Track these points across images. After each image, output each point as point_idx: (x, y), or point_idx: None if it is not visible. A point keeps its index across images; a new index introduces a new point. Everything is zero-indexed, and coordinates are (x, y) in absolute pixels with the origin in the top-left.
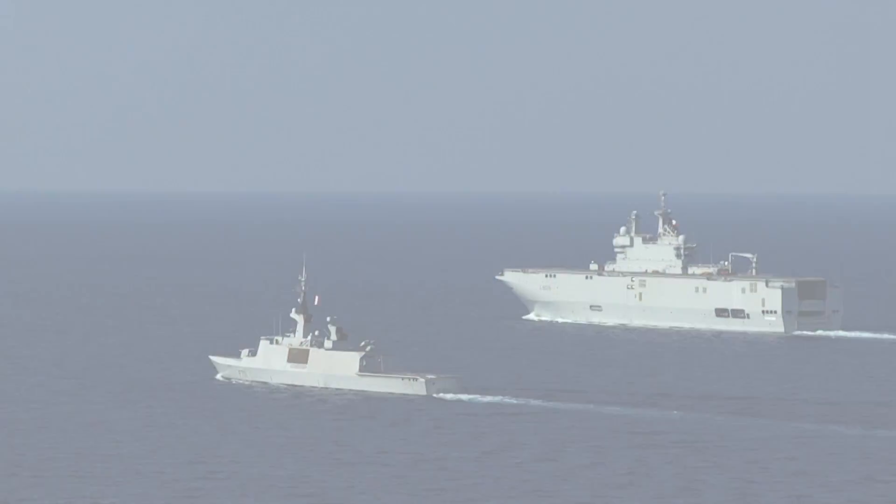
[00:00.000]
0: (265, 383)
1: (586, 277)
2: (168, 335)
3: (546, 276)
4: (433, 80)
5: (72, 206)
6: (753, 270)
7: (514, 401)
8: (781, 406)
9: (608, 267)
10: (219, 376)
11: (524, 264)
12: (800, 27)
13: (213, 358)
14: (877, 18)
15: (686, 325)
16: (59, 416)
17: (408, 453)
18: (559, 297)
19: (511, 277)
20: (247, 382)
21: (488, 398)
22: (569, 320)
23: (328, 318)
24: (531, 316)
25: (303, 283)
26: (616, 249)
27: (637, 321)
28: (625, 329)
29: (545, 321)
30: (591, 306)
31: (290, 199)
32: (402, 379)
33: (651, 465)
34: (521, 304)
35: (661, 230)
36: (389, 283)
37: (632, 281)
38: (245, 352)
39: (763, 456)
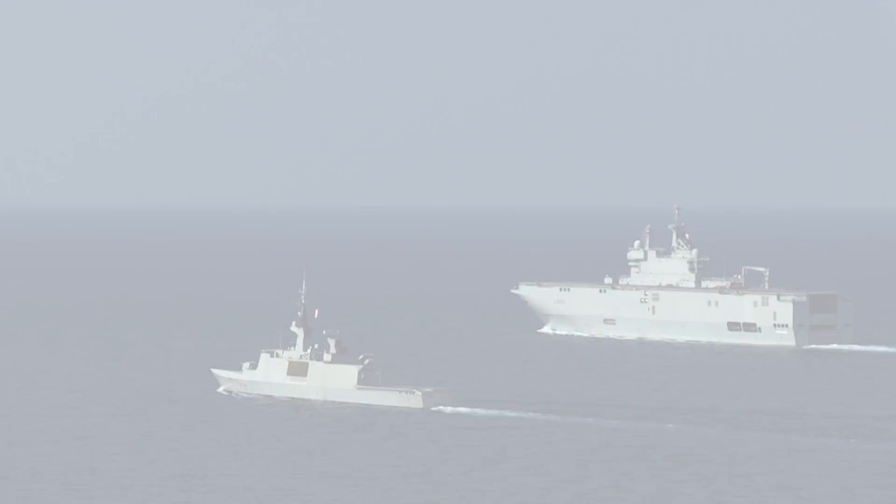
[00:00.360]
0: (266, 396)
1: (600, 291)
2: (172, 348)
3: (560, 289)
4: (444, 91)
5: (74, 219)
6: (766, 284)
7: (512, 414)
8: (782, 420)
9: (622, 281)
10: (221, 389)
11: (539, 278)
12: (810, 42)
13: (215, 371)
14: (891, 33)
15: (698, 338)
16: (57, 429)
17: (396, 466)
18: (573, 310)
19: (526, 291)
20: (248, 395)
21: (487, 411)
22: (584, 334)
23: (325, 332)
24: (546, 329)
25: (303, 297)
26: (630, 263)
27: (650, 335)
28: (637, 343)
29: (559, 335)
30: (604, 320)
31: (293, 212)
32: (400, 392)
33: (636, 478)
34: (535, 318)
35: (674, 244)
36: (405, 296)
37: (645, 294)
38: (246, 365)
39: (750, 470)
